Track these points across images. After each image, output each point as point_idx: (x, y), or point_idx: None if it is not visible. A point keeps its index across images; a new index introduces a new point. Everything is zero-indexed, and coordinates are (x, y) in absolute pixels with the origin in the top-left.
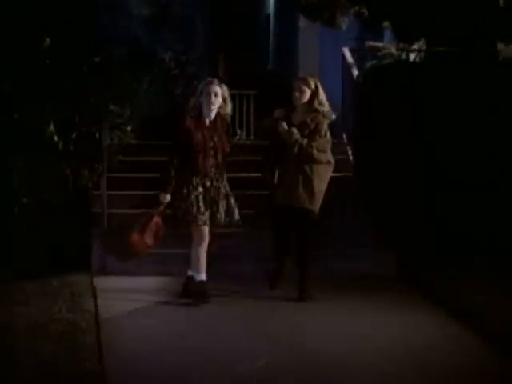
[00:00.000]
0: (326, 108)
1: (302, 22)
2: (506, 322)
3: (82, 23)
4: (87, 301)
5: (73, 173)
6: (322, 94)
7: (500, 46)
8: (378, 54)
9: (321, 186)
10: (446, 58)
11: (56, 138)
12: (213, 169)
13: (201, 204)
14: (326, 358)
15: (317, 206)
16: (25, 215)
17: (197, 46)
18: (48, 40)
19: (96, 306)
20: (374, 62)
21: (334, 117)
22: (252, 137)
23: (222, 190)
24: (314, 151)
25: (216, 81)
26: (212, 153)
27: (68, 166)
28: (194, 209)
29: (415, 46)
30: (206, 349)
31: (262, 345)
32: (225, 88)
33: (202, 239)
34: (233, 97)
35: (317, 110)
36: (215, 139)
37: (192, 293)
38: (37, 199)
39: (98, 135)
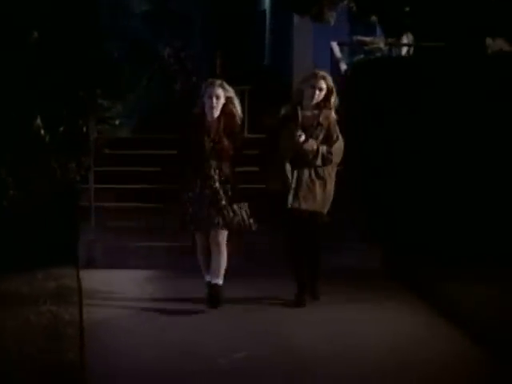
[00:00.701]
0: (332, 105)
1: (296, 17)
2: (490, 316)
3: (75, 18)
4: (72, 293)
5: (60, 166)
6: (335, 93)
7: (488, 40)
8: (366, 48)
9: (332, 187)
10: (435, 52)
11: (43, 132)
12: (217, 171)
13: (197, 208)
14: (307, 353)
15: (328, 207)
16: (12, 208)
17: (195, 43)
18: (36, 33)
19: (80, 298)
20: (362, 56)
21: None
22: (246, 132)
23: (226, 194)
24: (335, 158)
25: (218, 82)
26: (215, 154)
27: (55, 160)
28: (192, 212)
29: (405, 41)
30: (188, 342)
31: (243, 340)
32: (229, 88)
33: (200, 244)
34: None
35: (327, 107)
36: (218, 140)
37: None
38: (24, 192)
39: (85, 129)
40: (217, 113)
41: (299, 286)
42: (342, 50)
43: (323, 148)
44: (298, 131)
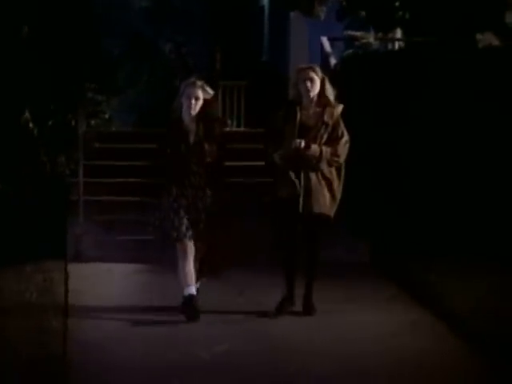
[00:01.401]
0: (332, 97)
1: (293, 13)
2: (473, 308)
3: (68, 13)
4: (59, 286)
5: (50, 160)
6: (328, 82)
7: (479, 35)
8: (357, 43)
9: (339, 187)
10: (426, 47)
11: (31, 125)
12: (196, 177)
13: (176, 217)
14: (286, 344)
15: (335, 210)
16: (0, 201)
17: (195, 38)
18: (26, 28)
19: (66, 291)
20: (350, 51)
21: (341, 106)
22: (242, 127)
23: (208, 200)
24: (341, 158)
25: (199, 83)
26: (194, 159)
27: (45, 154)
28: (170, 222)
29: (398, 36)
30: (170, 335)
31: (225, 331)
32: (209, 91)
33: (180, 255)
34: (224, 88)
35: (328, 103)
36: (197, 144)
37: (181, 308)
38: (13, 185)
39: (73, 123)
40: (194, 114)
41: (285, 293)
42: (333, 46)
43: (327, 152)
44: (296, 138)
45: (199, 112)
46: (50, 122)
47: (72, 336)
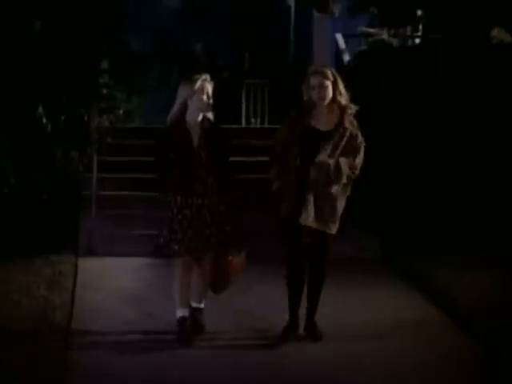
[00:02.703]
0: (346, 99)
1: (318, 17)
2: (478, 302)
3: (86, 10)
4: (67, 280)
5: (63, 155)
6: (341, 84)
7: (494, 31)
8: (370, 39)
9: (342, 204)
10: (439, 43)
11: (44, 120)
12: (201, 184)
13: (180, 229)
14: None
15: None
16: (14, 196)
17: (224, 38)
18: (38, 23)
19: (74, 284)
20: (364, 47)
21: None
22: (266, 124)
23: (220, 209)
24: (357, 172)
25: (209, 78)
26: (201, 164)
27: (58, 148)
28: (173, 235)
29: (413, 33)
30: (173, 325)
31: (231, 320)
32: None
33: (179, 272)
34: (248, 86)
35: (344, 109)
36: (204, 147)
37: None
38: (26, 180)
39: (86, 118)
40: (201, 114)
41: (290, 319)
42: (347, 42)
43: (345, 166)
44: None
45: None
46: (63, 117)
47: (74, 326)
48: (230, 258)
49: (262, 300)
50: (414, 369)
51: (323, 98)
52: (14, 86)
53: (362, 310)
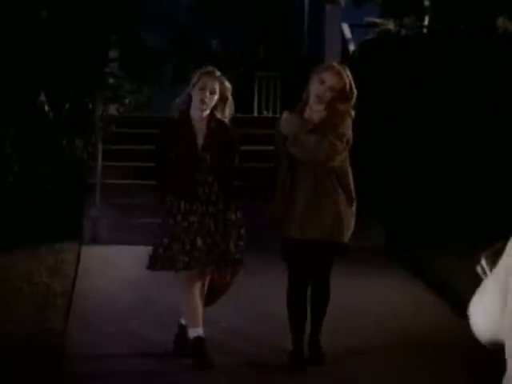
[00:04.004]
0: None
1: (330, 8)
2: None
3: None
4: (69, 267)
5: (68, 143)
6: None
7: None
8: (376, 30)
9: (348, 204)
10: (444, 32)
11: (47, 108)
12: (205, 188)
13: (186, 239)
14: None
15: (349, 234)
16: (18, 184)
17: (240, 32)
18: (45, 13)
19: (76, 271)
20: (369, 37)
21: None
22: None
23: (227, 217)
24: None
25: (217, 73)
26: (205, 167)
27: (63, 136)
28: (176, 246)
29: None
30: (174, 314)
31: (231, 308)
32: (227, 84)
33: (187, 287)
34: (260, 79)
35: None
36: (209, 149)
37: (189, 351)
38: (31, 168)
39: (91, 106)
40: (207, 111)
41: (295, 348)
42: (353, 32)
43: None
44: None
45: (212, 110)
46: (67, 106)
47: (74, 312)
48: (228, 275)
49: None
50: (414, 357)
51: (326, 97)
52: (17, 73)
53: (364, 298)
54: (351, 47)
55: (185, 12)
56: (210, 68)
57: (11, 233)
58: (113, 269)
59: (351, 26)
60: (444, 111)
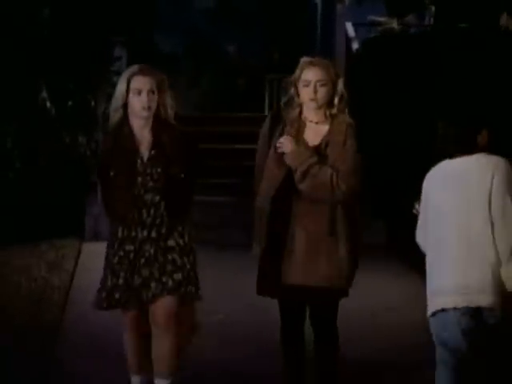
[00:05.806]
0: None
1: (340, 8)
2: None
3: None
4: (69, 262)
5: (71, 140)
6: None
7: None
8: (379, 28)
9: (351, 245)
10: (449, 30)
11: (48, 105)
12: (150, 210)
13: (120, 271)
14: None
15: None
16: (19, 180)
17: (254, 37)
18: (47, 10)
19: (75, 266)
20: (373, 35)
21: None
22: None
23: (167, 244)
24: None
25: (148, 69)
26: (150, 186)
27: (67, 134)
28: (110, 280)
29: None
30: None
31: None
32: (162, 76)
33: (125, 326)
34: (271, 81)
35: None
36: (156, 161)
37: None
38: (32, 165)
39: (93, 103)
40: (148, 116)
41: None
42: (357, 31)
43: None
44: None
45: (156, 113)
46: (70, 103)
47: (69, 307)
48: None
49: None
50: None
51: (317, 100)
52: (18, 70)
53: (362, 295)
54: (355, 46)
55: (200, 17)
56: (137, 66)
57: (12, 229)
58: None
59: (355, 25)
60: (447, 110)
